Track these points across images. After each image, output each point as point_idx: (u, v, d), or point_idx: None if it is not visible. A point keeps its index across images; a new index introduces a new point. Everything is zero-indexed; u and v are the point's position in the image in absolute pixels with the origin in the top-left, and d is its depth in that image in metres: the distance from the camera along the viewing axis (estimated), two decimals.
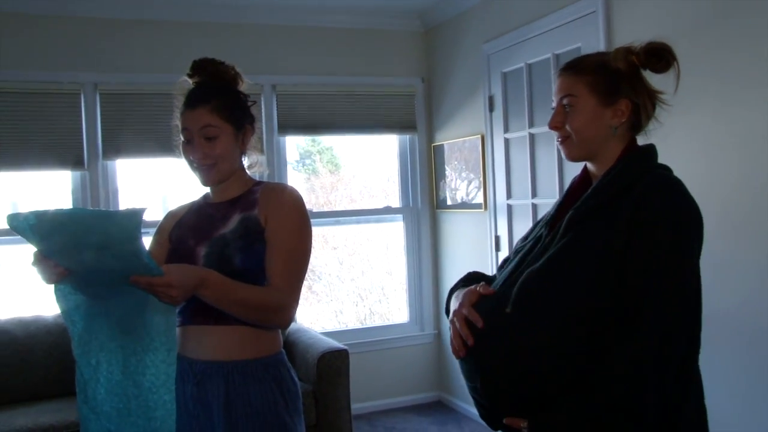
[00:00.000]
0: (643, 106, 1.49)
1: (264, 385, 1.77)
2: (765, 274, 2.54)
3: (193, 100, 1.82)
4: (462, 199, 4.68)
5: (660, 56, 1.47)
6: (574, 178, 1.63)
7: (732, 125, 2.66)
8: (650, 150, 1.51)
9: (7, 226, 1.48)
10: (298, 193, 1.87)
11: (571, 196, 1.57)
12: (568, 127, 1.51)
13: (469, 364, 1.46)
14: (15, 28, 4.08)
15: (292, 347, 3.90)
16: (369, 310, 5.88)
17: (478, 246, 4.49)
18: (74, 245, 1.46)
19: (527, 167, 3.93)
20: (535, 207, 3.90)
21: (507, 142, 4.14)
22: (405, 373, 4.99)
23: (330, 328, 5.35)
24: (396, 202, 5.20)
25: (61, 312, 1.64)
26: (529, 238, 1.61)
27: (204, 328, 1.77)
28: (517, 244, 1.67)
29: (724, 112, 2.68)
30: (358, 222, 5.31)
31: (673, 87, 1.49)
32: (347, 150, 5.86)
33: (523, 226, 4.01)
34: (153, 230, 2.00)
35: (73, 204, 4.25)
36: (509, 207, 4.15)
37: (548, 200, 3.76)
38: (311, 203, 5.50)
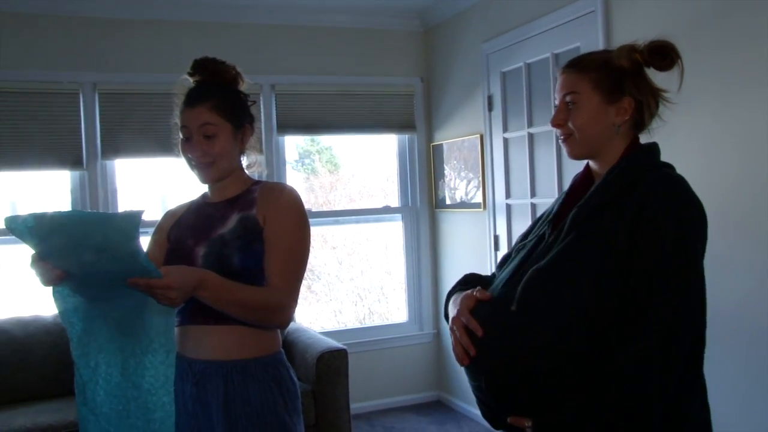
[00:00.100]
0: (646, 104, 1.49)
1: (263, 384, 1.77)
2: (765, 273, 2.55)
3: (192, 99, 1.82)
4: (461, 198, 4.68)
5: (664, 54, 1.46)
6: (576, 175, 1.63)
7: (730, 125, 2.66)
8: (653, 148, 1.50)
9: (5, 227, 1.48)
10: (296, 192, 1.87)
11: (574, 194, 1.57)
12: (570, 125, 1.50)
13: (474, 363, 1.45)
14: (14, 27, 4.07)
15: (291, 347, 3.90)
16: (368, 309, 5.88)
17: (477, 245, 4.49)
18: (72, 247, 1.46)
19: (526, 167, 3.93)
20: (534, 206, 3.90)
21: (506, 141, 4.14)
22: (404, 373, 4.99)
23: (329, 327, 5.36)
24: (395, 202, 5.20)
25: (60, 314, 1.64)
26: (530, 236, 1.60)
27: (203, 328, 1.77)
28: (516, 241, 1.66)
29: (723, 112, 2.68)
30: (357, 222, 5.31)
31: (676, 85, 1.48)
32: (346, 150, 5.87)
33: (521, 226, 4.01)
34: (151, 230, 1.99)
35: (72, 204, 4.25)
36: (508, 206, 4.15)
37: (547, 200, 3.76)
38: (310, 203, 5.50)
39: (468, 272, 1.77)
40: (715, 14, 2.72)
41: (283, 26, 4.66)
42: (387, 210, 5.19)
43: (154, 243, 1.95)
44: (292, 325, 4.09)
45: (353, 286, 5.93)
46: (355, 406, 4.32)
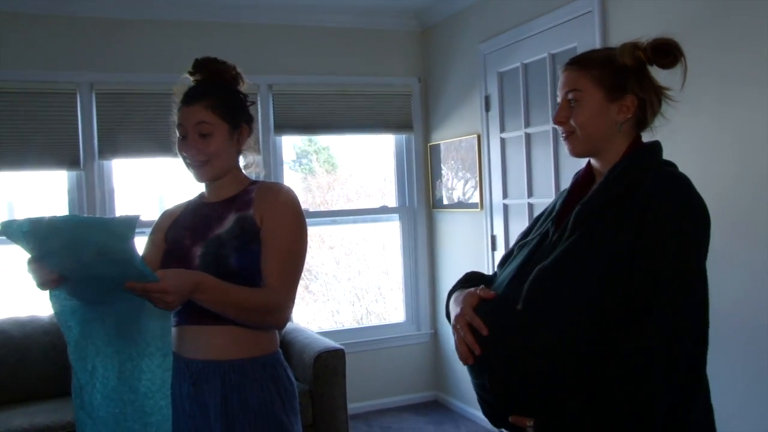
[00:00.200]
0: (649, 102, 1.48)
1: (261, 384, 1.77)
2: (764, 272, 2.55)
3: (189, 97, 1.83)
4: (458, 198, 4.68)
5: (667, 52, 1.45)
6: (578, 173, 1.62)
7: (728, 125, 2.67)
8: (656, 146, 1.49)
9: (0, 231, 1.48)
10: (293, 192, 1.87)
11: (575, 192, 1.56)
12: (572, 122, 1.49)
13: (478, 362, 1.44)
14: (10, 27, 4.07)
15: (289, 347, 3.90)
16: (365, 309, 5.89)
17: (474, 245, 4.50)
18: (69, 252, 1.46)
19: (523, 167, 3.93)
20: (531, 206, 3.90)
21: (503, 141, 4.14)
22: (401, 373, 4.99)
23: (326, 327, 5.36)
24: (392, 202, 5.20)
25: (57, 317, 1.64)
26: (532, 234, 1.60)
27: (201, 328, 1.77)
28: (517, 239, 1.65)
29: (721, 112, 2.69)
30: (354, 222, 5.31)
31: (678, 83, 1.47)
32: (344, 149, 5.87)
33: (519, 226, 4.01)
34: (148, 230, 1.99)
35: (69, 204, 4.24)
36: (505, 206, 4.15)
37: (544, 200, 3.76)
38: (308, 203, 5.50)
39: (469, 270, 1.76)
40: (712, 14, 2.73)
41: (281, 26, 4.66)
42: (384, 210, 5.19)
43: (151, 243, 1.95)
44: (289, 325, 4.09)
45: (351, 286, 5.93)
46: (353, 406, 4.33)
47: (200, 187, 1.97)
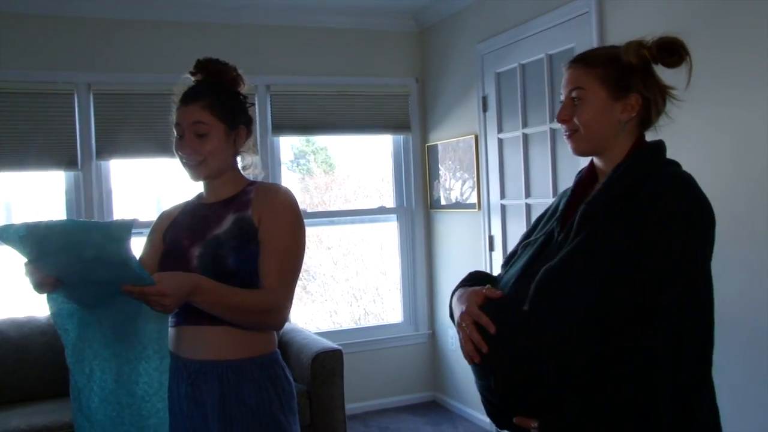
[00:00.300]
0: (653, 101, 1.47)
1: (259, 384, 1.77)
2: (763, 272, 2.55)
3: (188, 97, 1.83)
4: (456, 199, 4.69)
5: (672, 50, 1.44)
6: (581, 172, 1.61)
7: (725, 125, 2.67)
8: (659, 146, 1.48)
9: None
10: (291, 193, 1.88)
11: (579, 192, 1.55)
12: (576, 121, 1.48)
13: (484, 361, 1.43)
14: (8, 27, 4.06)
15: (287, 347, 3.90)
16: (363, 310, 5.89)
17: (472, 246, 4.50)
18: (65, 256, 1.46)
19: (521, 167, 3.94)
20: (528, 207, 3.91)
21: (501, 142, 4.15)
22: (399, 373, 4.99)
23: (324, 328, 5.36)
24: (390, 202, 5.20)
25: (54, 320, 1.64)
26: (536, 234, 1.59)
27: (199, 329, 1.77)
28: (521, 239, 1.65)
29: (718, 113, 2.69)
30: (352, 222, 5.31)
31: (681, 82, 1.47)
32: (341, 150, 5.87)
33: (517, 226, 4.02)
34: (146, 231, 2.00)
35: (67, 204, 4.24)
36: (503, 207, 4.16)
37: (542, 200, 3.77)
38: (305, 203, 5.50)
39: (473, 270, 1.75)
40: (710, 15, 2.73)
41: (278, 27, 4.66)
42: (382, 210, 5.19)
43: (149, 244, 1.95)
44: (287, 325, 4.09)
45: (348, 287, 5.93)
46: (351, 407, 4.33)
47: (198, 188, 1.97)
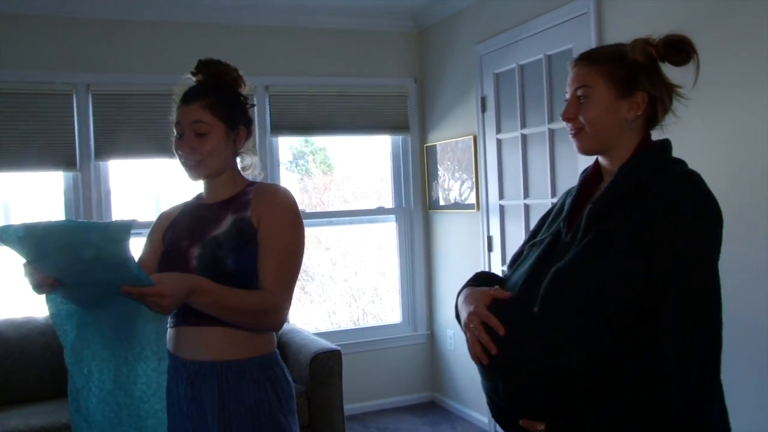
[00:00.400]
0: (660, 99, 1.46)
1: (258, 385, 1.77)
2: (763, 272, 2.55)
3: (188, 96, 1.84)
4: (454, 199, 4.69)
5: (680, 48, 1.43)
6: (585, 171, 1.59)
7: (722, 126, 2.68)
8: (666, 144, 1.47)
9: None
10: (290, 194, 1.88)
11: (585, 191, 1.54)
12: (581, 119, 1.47)
13: (493, 363, 1.41)
14: (6, 28, 4.06)
15: (285, 348, 3.90)
16: (362, 310, 5.89)
17: (470, 246, 4.50)
18: (64, 256, 1.46)
19: (519, 168, 3.94)
20: (527, 207, 3.91)
21: (499, 142, 4.15)
22: (398, 374, 4.99)
23: (323, 328, 5.36)
24: (389, 203, 5.20)
25: (53, 321, 1.64)
26: (542, 234, 1.58)
27: (198, 329, 1.77)
28: (526, 240, 1.64)
29: (716, 113, 2.70)
30: (351, 222, 5.31)
31: (684, 81, 1.46)
32: (340, 150, 5.87)
33: (515, 227, 4.02)
34: (145, 231, 2.00)
35: (65, 205, 4.23)
36: (501, 207, 4.16)
37: (540, 201, 3.77)
38: (304, 204, 5.50)
39: (479, 270, 1.74)
40: (707, 16, 2.74)
41: (277, 27, 4.66)
42: (381, 211, 5.19)
43: (149, 245, 1.95)
44: (285, 326, 4.09)
45: (347, 287, 5.93)
46: (349, 407, 4.33)
47: (197, 189, 1.97)
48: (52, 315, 1.63)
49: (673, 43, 1.44)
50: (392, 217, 5.16)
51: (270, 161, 4.67)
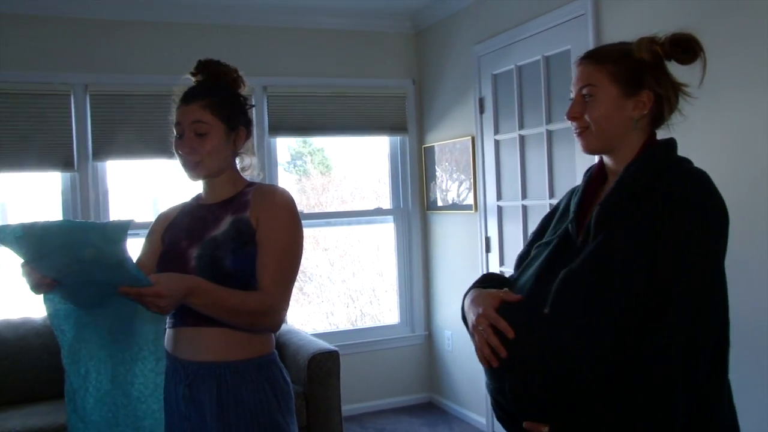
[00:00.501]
0: (666, 98, 1.45)
1: (256, 385, 1.77)
2: (763, 273, 2.55)
3: (188, 96, 1.84)
4: (452, 200, 4.69)
5: (686, 47, 1.42)
6: (590, 171, 1.58)
7: (720, 127, 2.68)
8: (671, 143, 1.46)
9: None
10: (289, 195, 1.88)
11: (590, 192, 1.53)
12: (587, 118, 1.45)
13: (502, 365, 1.40)
14: (3, 28, 4.06)
15: (283, 348, 3.90)
16: (360, 311, 5.89)
17: (468, 247, 4.50)
18: (62, 257, 1.46)
19: (517, 169, 3.95)
20: (525, 208, 3.91)
21: (497, 143, 4.15)
22: (396, 375, 4.99)
23: (321, 329, 5.36)
24: (387, 204, 5.20)
25: (50, 321, 1.64)
26: (548, 235, 1.56)
27: (196, 330, 1.77)
28: (531, 240, 1.62)
29: (714, 114, 2.70)
30: (349, 223, 5.31)
31: (688, 80, 1.45)
32: (338, 151, 5.87)
33: (513, 227, 4.03)
34: (143, 232, 2.00)
35: (63, 205, 4.23)
36: (499, 208, 4.16)
37: (538, 201, 3.77)
38: (302, 204, 5.50)
39: (487, 272, 1.72)
40: (705, 17, 2.74)
41: (275, 28, 4.66)
42: (379, 212, 5.19)
43: (148, 246, 1.95)
44: (283, 326, 4.06)
45: (345, 288, 5.93)
46: (347, 408, 4.33)
47: (196, 189, 1.97)
48: (50, 315, 1.63)
49: (679, 42, 1.43)
50: (390, 217, 5.16)
51: (268, 162, 4.67)
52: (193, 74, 1.91)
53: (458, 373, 4.71)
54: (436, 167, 4.87)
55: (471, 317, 1.48)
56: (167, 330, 1.82)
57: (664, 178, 1.36)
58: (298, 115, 4.72)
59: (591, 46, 3.27)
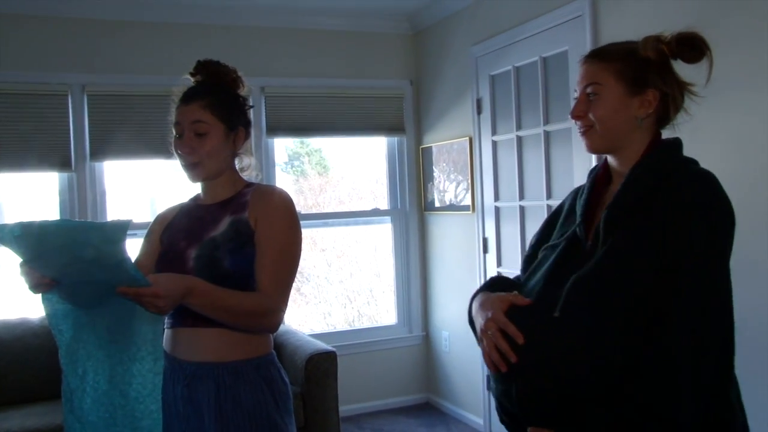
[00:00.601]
0: (672, 97, 1.43)
1: (255, 386, 1.77)
2: (764, 273, 2.56)
3: (188, 96, 1.84)
4: (450, 201, 4.70)
5: (692, 45, 1.41)
6: (595, 171, 1.56)
7: (718, 127, 2.69)
8: (677, 143, 1.45)
9: None
10: (288, 196, 1.88)
11: (596, 192, 1.51)
12: (591, 117, 1.44)
13: (510, 370, 1.38)
14: (2, 28, 4.05)
15: (281, 349, 3.90)
16: (357, 311, 5.89)
17: (466, 248, 4.51)
18: (61, 256, 1.46)
19: (515, 170, 3.95)
20: (522, 209, 3.92)
21: (495, 144, 4.16)
22: (393, 375, 5.00)
23: (318, 330, 5.35)
24: (384, 204, 5.21)
25: (48, 321, 1.64)
26: (555, 237, 1.54)
27: (195, 330, 1.77)
28: (536, 241, 1.61)
29: (712, 115, 2.70)
30: (346, 224, 5.31)
31: (693, 79, 1.44)
32: (336, 152, 5.87)
33: (511, 228, 4.03)
34: (142, 232, 2.00)
35: (60, 206, 4.23)
36: (497, 209, 4.17)
37: (536, 202, 3.78)
38: (299, 205, 5.50)
39: (494, 275, 1.69)
40: (703, 18, 2.75)
41: (273, 29, 4.66)
42: (376, 212, 5.20)
43: (146, 246, 1.95)
44: (281, 327, 4.07)
45: (342, 289, 5.93)
46: (344, 409, 4.33)
47: (193, 190, 1.97)
48: (48, 315, 1.63)
49: (685, 40, 1.41)
50: (388, 218, 5.16)
51: (265, 162, 4.67)
52: (192, 74, 1.91)
53: (455, 373, 4.71)
54: (433, 168, 4.87)
55: (479, 321, 1.46)
56: (166, 330, 1.82)
57: (671, 180, 1.35)
58: (296, 115, 4.72)
59: (588, 47, 3.28)
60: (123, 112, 4.25)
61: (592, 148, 1.49)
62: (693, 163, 1.43)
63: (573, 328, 1.32)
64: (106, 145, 4.23)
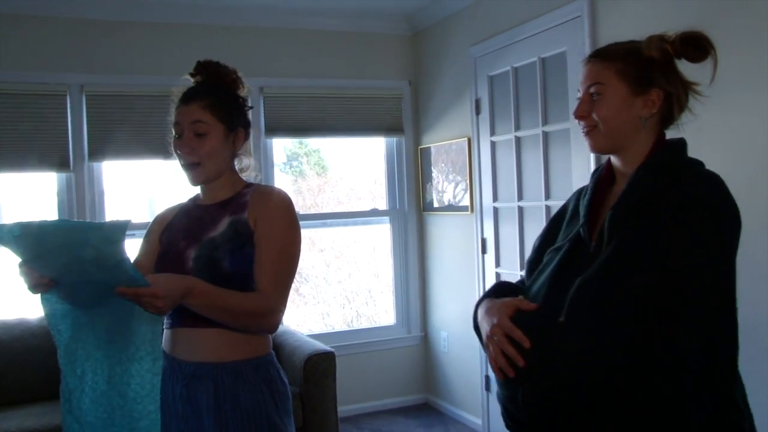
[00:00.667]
0: (676, 96, 1.43)
1: (253, 386, 1.77)
2: (764, 272, 2.56)
3: (188, 96, 1.84)
4: (449, 201, 4.70)
5: (697, 45, 1.40)
6: (598, 172, 1.55)
7: (717, 128, 2.69)
8: (681, 144, 1.44)
9: None
10: (287, 196, 1.87)
11: (599, 193, 1.50)
12: (595, 116, 1.43)
13: (517, 375, 1.37)
14: (1, 28, 4.05)
15: (279, 349, 3.90)
16: (356, 312, 5.88)
17: (464, 248, 4.51)
18: (60, 256, 1.46)
19: (513, 170, 3.95)
20: (521, 210, 3.92)
21: (493, 144, 4.16)
22: (392, 376, 5.00)
23: (317, 330, 5.35)
24: (383, 205, 5.21)
25: (47, 321, 1.64)
26: (560, 240, 1.53)
27: (194, 330, 1.77)
28: (539, 243, 1.60)
29: (713, 117, 2.70)
30: (345, 224, 5.31)
31: (697, 78, 1.43)
32: (334, 152, 5.87)
33: (509, 229, 4.03)
34: (140, 232, 2.00)
35: (59, 206, 4.22)
36: (495, 210, 4.17)
37: (535, 203, 3.78)
38: (298, 205, 5.50)
39: (500, 281, 1.68)
40: (702, 19, 2.75)
41: (271, 29, 4.66)
42: (375, 213, 5.20)
43: (146, 246, 1.94)
44: (279, 327, 4.08)
45: (341, 289, 5.93)
46: (343, 409, 4.33)
47: (192, 190, 1.97)
48: (47, 315, 1.63)
49: (690, 39, 1.41)
50: (386, 219, 5.16)
51: (264, 163, 4.67)
52: (192, 75, 1.91)
53: (454, 374, 4.71)
54: (432, 168, 4.87)
55: (485, 327, 1.45)
56: (165, 330, 1.82)
57: (677, 183, 1.34)
58: (295, 115, 4.72)
59: (587, 47, 3.28)
60: (122, 113, 4.25)
61: (596, 149, 1.48)
62: (698, 164, 1.42)
63: (578, 332, 1.31)
64: (104, 146, 4.23)
